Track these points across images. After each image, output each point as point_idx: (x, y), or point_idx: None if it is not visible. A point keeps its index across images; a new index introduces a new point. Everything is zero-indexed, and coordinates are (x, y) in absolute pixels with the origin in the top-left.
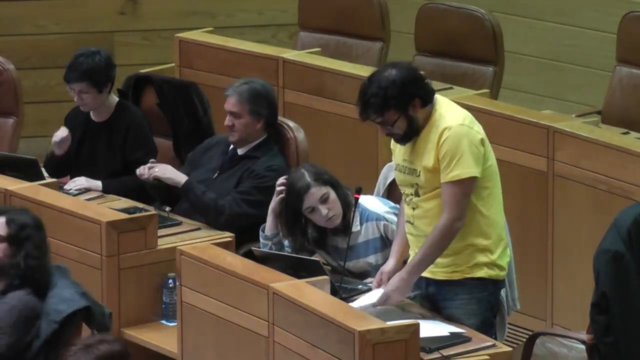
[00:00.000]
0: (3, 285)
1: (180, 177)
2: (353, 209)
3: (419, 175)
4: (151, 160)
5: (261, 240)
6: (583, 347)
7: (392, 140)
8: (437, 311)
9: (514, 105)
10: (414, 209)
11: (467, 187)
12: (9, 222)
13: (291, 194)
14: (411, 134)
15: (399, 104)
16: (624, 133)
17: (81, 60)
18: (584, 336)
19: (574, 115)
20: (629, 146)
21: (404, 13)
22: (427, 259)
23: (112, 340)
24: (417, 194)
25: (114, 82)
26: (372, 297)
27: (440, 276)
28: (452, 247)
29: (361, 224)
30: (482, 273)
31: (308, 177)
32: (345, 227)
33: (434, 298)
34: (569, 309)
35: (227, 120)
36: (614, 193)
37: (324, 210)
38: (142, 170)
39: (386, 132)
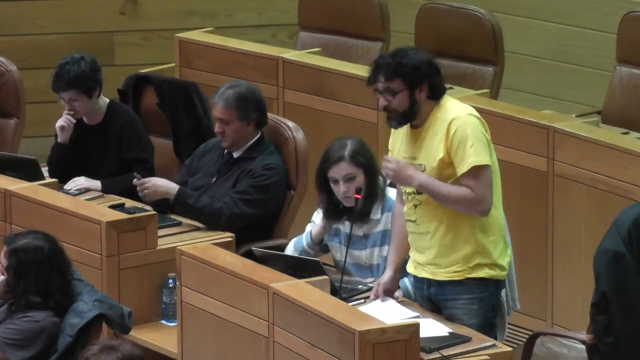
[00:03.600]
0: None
1: (172, 190)
2: (358, 204)
3: (424, 170)
4: (138, 175)
5: (305, 246)
6: (583, 347)
7: (391, 139)
8: (438, 312)
9: (514, 105)
10: (416, 206)
11: (485, 174)
12: (10, 254)
13: (325, 157)
14: (407, 117)
15: (408, 77)
16: (624, 133)
17: (67, 68)
18: (584, 336)
19: (574, 115)
20: (629, 146)
21: (404, 13)
22: (438, 193)
23: (133, 345)
24: (419, 192)
25: (102, 85)
26: (376, 309)
27: (441, 277)
28: (452, 246)
29: (382, 213)
30: (483, 273)
31: (346, 151)
32: (362, 215)
33: (435, 299)
34: (569, 309)
35: (217, 127)
36: (614, 193)
37: (343, 187)
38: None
39: (385, 103)
